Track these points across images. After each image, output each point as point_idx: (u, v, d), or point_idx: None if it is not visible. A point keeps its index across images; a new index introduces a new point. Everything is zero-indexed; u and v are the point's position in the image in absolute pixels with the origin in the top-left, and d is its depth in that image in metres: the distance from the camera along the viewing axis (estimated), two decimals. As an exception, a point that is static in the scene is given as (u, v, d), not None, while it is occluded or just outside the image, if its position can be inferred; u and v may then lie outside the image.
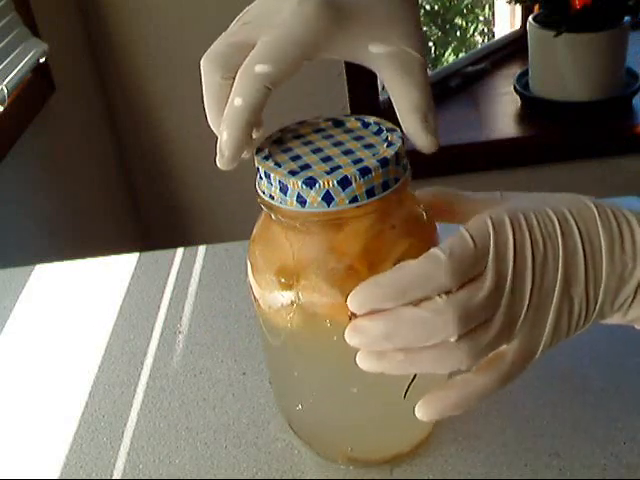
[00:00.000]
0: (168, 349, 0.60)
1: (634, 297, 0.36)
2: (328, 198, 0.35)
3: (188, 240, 1.71)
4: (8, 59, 1.12)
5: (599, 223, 0.36)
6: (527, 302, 0.35)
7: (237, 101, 0.37)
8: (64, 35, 1.42)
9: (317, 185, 0.35)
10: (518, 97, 1.64)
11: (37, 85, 1.25)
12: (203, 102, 0.41)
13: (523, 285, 0.34)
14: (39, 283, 0.71)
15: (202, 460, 0.49)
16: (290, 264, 0.38)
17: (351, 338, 0.35)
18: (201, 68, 0.40)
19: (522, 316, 0.35)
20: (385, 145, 0.38)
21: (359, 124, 0.41)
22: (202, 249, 0.73)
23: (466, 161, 1.57)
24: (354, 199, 0.36)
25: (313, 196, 0.35)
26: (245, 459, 0.49)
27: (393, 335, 0.34)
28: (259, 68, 0.37)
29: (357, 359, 0.35)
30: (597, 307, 0.36)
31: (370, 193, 0.36)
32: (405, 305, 0.34)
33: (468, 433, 0.49)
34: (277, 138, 0.40)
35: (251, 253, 0.42)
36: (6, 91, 1.05)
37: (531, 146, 1.57)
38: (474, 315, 0.34)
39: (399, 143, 0.38)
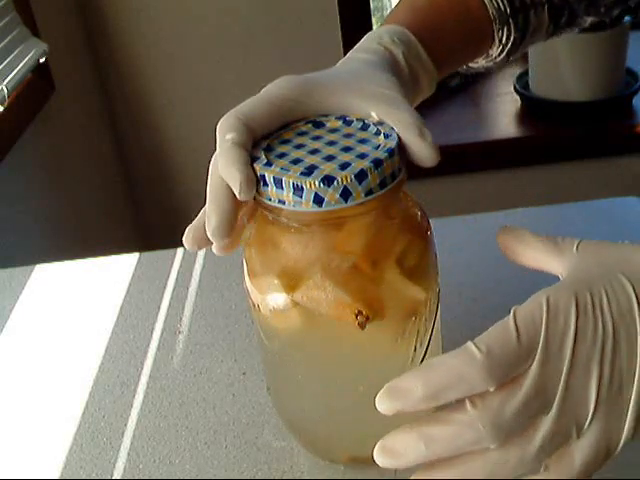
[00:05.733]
0: (168, 349, 0.60)
1: None
2: (345, 194, 0.35)
3: (188, 240, 1.71)
4: (8, 59, 1.12)
5: None
6: (594, 398, 0.30)
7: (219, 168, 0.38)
8: (64, 35, 1.42)
9: (335, 182, 0.34)
10: (518, 97, 1.64)
11: (37, 85, 1.25)
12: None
13: (587, 380, 0.30)
14: (39, 283, 0.71)
15: (202, 460, 0.49)
16: (293, 265, 0.37)
17: (382, 460, 0.32)
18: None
19: (590, 414, 0.31)
20: (382, 137, 0.37)
21: (340, 123, 0.40)
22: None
23: (466, 161, 1.57)
24: (369, 192, 0.35)
25: (331, 194, 0.35)
26: (245, 459, 0.49)
27: (429, 454, 0.31)
28: (225, 134, 0.37)
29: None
30: None
31: (382, 185, 0.36)
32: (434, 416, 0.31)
33: (468, 433, 0.49)
34: (266, 146, 0.38)
35: (247, 257, 0.41)
36: (6, 91, 1.05)
37: (531, 146, 1.57)
38: (511, 423, 0.30)
39: (394, 133, 0.37)
